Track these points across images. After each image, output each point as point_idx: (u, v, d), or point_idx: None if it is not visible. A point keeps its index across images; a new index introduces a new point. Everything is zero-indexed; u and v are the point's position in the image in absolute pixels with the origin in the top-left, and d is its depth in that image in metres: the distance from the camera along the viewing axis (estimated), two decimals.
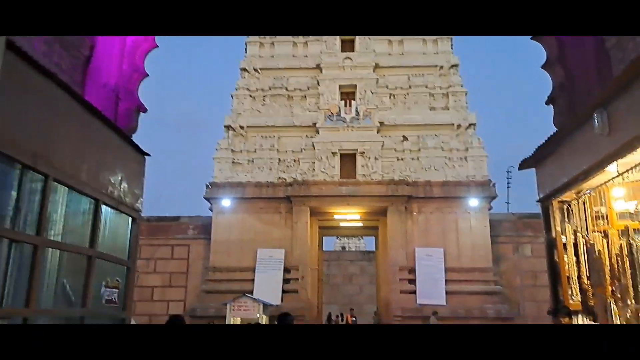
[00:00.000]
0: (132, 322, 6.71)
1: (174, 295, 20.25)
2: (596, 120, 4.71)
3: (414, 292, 18.45)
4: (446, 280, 18.59)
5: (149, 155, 5.69)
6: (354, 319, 21.49)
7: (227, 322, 14.17)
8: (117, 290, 4.45)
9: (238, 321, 14.51)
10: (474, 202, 19.16)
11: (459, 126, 20.23)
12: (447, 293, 18.41)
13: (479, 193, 19.25)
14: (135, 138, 5.97)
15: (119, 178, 4.71)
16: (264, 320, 14.79)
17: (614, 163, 4.88)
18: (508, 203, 22.61)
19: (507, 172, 22.41)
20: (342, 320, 14.07)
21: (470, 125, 20.25)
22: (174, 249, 20.87)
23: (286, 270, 18.71)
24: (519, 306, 19.46)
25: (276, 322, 5.76)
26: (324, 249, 25.41)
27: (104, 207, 4.36)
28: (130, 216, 4.83)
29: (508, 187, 22.07)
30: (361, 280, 31.44)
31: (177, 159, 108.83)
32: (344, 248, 39.00)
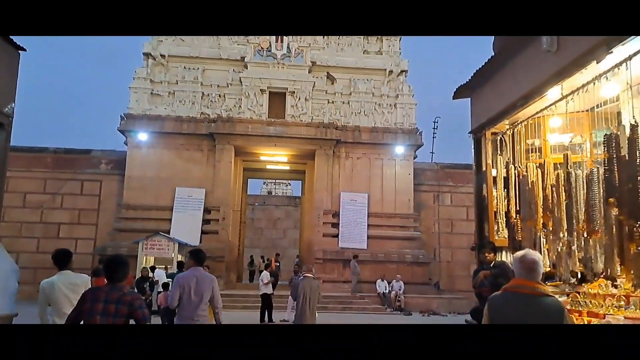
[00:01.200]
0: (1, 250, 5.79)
1: (83, 233, 18.90)
2: (544, 38, 4.36)
3: (337, 236, 18.48)
4: (368, 225, 18.77)
5: (24, 50, 4.64)
6: (278, 263, 21.38)
7: (139, 261, 13.34)
8: None
9: (151, 260, 13.73)
10: (400, 149, 19.19)
11: (390, 72, 19.88)
12: (368, 237, 18.63)
13: (405, 140, 19.28)
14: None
15: None
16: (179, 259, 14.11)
17: (557, 87, 4.60)
18: (432, 153, 23.02)
19: (434, 122, 22.64)
20: (266, 263, 13.74)
21: (402, 72, 19.96)
22: (84, 184, 19.30)
23: (206, 210, 17.95)
24: (434, 251, 20.21)
25: (188, 256, 5.43)
26: (249, 193, 24.77)
27: None
28: None
29: (434, 137, 22.41)
30: (286, 225, 31.38)
31: (91, 88, 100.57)
32: (270, 193, 38.50)
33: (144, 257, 13.50)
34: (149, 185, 17.95)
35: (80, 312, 3.37)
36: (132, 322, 3.45)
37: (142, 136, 17.77)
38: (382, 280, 17.60)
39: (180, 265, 10.08)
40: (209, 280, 5.03)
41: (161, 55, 18.68)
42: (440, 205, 21.07)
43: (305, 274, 7.85)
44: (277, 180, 40.88)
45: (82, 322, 3.36)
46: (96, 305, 3.32)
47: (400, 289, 17.27)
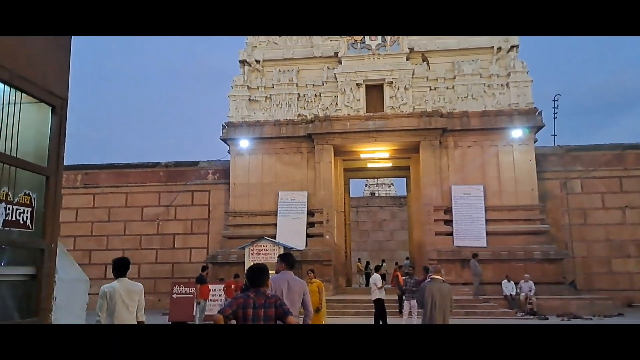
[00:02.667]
0: (60, 250, 5.42)
1: (196, 242, 19.41)
2: None
3: (451, 234, 16.92)
4: (486, 220, 16.94)
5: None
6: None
7: (246, 268, 13.05)
8: (28, 208, 3.03)
9: None
10: (517, 132, 17.13)
11: (499, 49, 17.92)
12: (487, 234, 16.81)
13: (523, 123, 17.18)
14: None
15: (31, 47, 3.21)
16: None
17: None
18: (554, 135, 20.29)
19: (554, 100, 19.98)
20: (377, 265, 12.63)
21: (512, 47, 17.91)
22: (194, 195, 19.85)
23: (310, 213, 17.42)
24: (566, 246, 17.75)
25: (278, 260, 5.14)
26: (351, 196, 23.97)
27: None
28: (50, 104, 3.34)
29: (555, 118, 19.73)
30: (392, 226, 30.19)
31: (196, 104, 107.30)
32: (373, 194, 37.47)
33: (251, 263, 13.18)
34: (253, 191, 17.89)
35: (234, 313, 3.57)
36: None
37: (243, 143, 17.77)
38: (508, 281, 15.69)
39: (284, 259, 9.42)
40: (300, 284, 4.89)
41: (256, 60, 18.63)
42: (569, 193, 18.52)
43: (433, 276, 6.68)
44: (379, 181, 39.82)
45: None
46: (247, 311, 3.56)
47: (530, 290, 15.24)
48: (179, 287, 13.47)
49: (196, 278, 11.87)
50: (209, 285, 12.33)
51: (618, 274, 17.90)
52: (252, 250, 13.27)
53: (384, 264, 23.33)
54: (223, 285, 13.22)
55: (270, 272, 7.52)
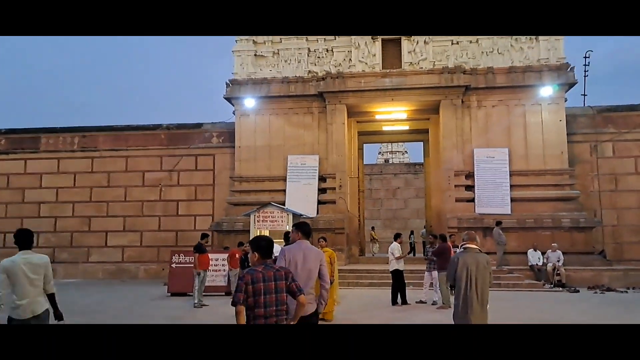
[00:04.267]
0: None
1: (201, 209, 18.42)
2: None
3: (473, 200, 15.72)
4: (511, 186, 15.70)
5: None
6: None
7: (251, 235, 12.02)
8: None
9: (266, 233, 12.34)
10: (547, 90, 15.67)
11: None
12: (512, 200, 15.60)
13: (553, 80, 15.70)
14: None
15: None
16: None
17: None
18: (584, 95, 18.71)
19: (585, 57, 18.34)
20: (396, 233, 11.36)
21: None
22: (198, 159, 18.74)
23: (321, 179, 16.27)
24: (594, 214, 16.50)
25: (294, 229, 4.84)
26: (365, 163, 22.70)
27: None
28: None
29: (585, 77, 18.10)
30: (406, 194, 29.04)
31: (200, 65, 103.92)
32: (386, 161, 36.21)
33: (257, 231, 12.15)
34: (260, 155, 16.73)
35: (246, 293, 3.46)
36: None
37: (249, 102, 16.50)
38: (535, 251, 14.57)
39: (287, 236, 8.38)
40: (317, 255, 4.57)
41: None
42: (600, 157, 17.14)
43: (467, 245, 5.45)
44: (393, 148, 38.50)
45: (249, 304, 3.45)
46: (258, 286, 3.48)
47: (558, 261, 14.11)
48: (179, 255, 12.52)
49: (194, 246, 10.86)
50: (209, 255, 11.31)
51: None
52: (258, 217, 12.19)
53: (412, 235, 22.32)
54: (227, 255, 12.22)
55: (276, 241, 6.59)
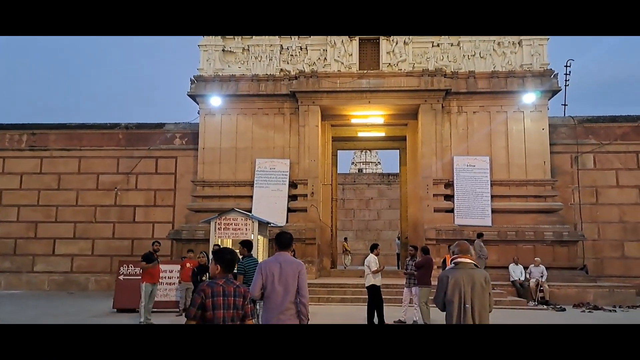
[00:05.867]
0: None
1: (160, 216, 16.95)
2: None
3: (452, 211, 14.82)
4: (491, 196, 14.89)
5: None
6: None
7: (211, 245, 10.72)
8: None
9: (228, 244, 11.05)
10: (529, 97, 15.00)
11: None
12: (492, 211, 14.77)
13: (537, 86, 15.04)
14: None
15: None
16: (260, 242, 11.34)
17: None
18: (565, 105, 18.19)
19: (566, 65, 17.83)
20: (373, 244, 10.30)
21: None
22: (159, 161, 17.31)
23: (292, 185, 15.10)
24: (575, 227, 15.84)
25: (274, 241, 4.69)
26: (338, 172, 21.63)
27: None
28: None
29: (566, 85, 17.56)
30: (379, 205, 28.17)
31: (160, 55, 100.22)
32: (360, 171, 35.33)
33: (218, 240, 10.85)
34: (226, 157, 15.45)
35: (202, 308, 3.32)
36: None
37: (215, 100, 15.24)
38: (517, 265, 13.71)
39: (247, 245, 7.19)
40: (295, 267, 4.31)
41: None
42: (580, 169, 16.55)
43: (460, 259, 4.36)
44: (366, 159, 37.76)
45: (206, 318, 3.33)
46: (217, 300, 3.35)
47: (542, 276, 13.28)
48: (128, 266, 11.09)
49: (142, 255, 9.49)
50: (161, 266, 9.95)
51: (631, 259, 16.11)
52: (219, 224, 10.88)
53: (398, 240, 20.86)
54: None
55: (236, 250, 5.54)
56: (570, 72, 18.25)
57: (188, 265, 10.31)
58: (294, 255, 7.67)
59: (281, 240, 4.46)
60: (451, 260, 4.48)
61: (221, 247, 5.27)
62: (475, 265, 4.38)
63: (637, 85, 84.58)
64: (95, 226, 17.03)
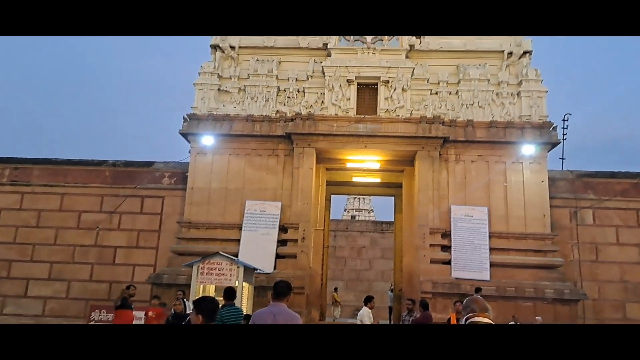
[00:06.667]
0: None
1: (142, 258, 16.06)
2: None
3: (449, 262, 14.16)
4: (490, 249, 14.29)
5: None
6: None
7: (192, 292, 9.93)
8: None
9: (211, 290, 10.26)
10: (528, 149, 14.70)
11: (510, 54, 15.66)
12: (491, 265, 14.12)
13: (535, 138, 14.79)
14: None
15: None
16: (246, 290, 10.56)
17: None
18: (563, 159, 17.98)
19: (563, 119, 17.74)
20: (367, 296, 9.53)
21: (524, 53, 15.67)
22: (144, 201, 16.60)
23: (282, 229, 14.44)
24: (575, 285, 15.18)
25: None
26: (330, 218, 21.02)
27: None
28: None
29: (564, 139, 17.42)
30: (371, 254, 27.40)
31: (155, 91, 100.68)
32: (353, 217, 34.74)
33: (200, 286, 10.07)
34: (215, 198, 14.83)
35: None
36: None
37: (207, 140, 14.80)
38: (516, 324, 12.91)
39: (227, 293, 6.51)
40: (289, 320, 4.09)
41: (231, 46, 15.86)
42: (580, 225, 16.05)
43: (476, 318, 3.71)
44: (360, 206, 37.30)
45: None
46: None
47: None
48: (100, 312, 10.25)
49: (115, 301, 8.68)
50: (134, 313, 9.13)
51: (633, 322, 15.36)
52: (202, 269, 10.14)
53: (391, 292, 19.94)
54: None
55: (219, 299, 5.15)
56: (567, 126, 18.14)
57: (151, 314, 9.42)
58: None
59: (276, 289, 4.30)
60: (465, 320, 3.81)
61: (203, 295, 5.10)
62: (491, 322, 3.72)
63: (635, 144, 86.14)
64: (72, 267, 16.10)
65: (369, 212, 37.86)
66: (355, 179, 17.49)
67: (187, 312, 8.49)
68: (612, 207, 16.11)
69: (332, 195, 18.40)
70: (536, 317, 12.98)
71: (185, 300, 8.52)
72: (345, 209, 37.36)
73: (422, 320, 8.70)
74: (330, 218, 20.41)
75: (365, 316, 8.80)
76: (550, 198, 15.31)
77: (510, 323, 12.93)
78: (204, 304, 3.38)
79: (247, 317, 8.06)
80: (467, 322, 3.71)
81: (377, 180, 17.41)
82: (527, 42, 15.73)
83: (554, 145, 15.10)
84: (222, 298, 6.93)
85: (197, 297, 4.08)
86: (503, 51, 15.66)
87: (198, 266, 10.09)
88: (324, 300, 17.17)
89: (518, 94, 15.32)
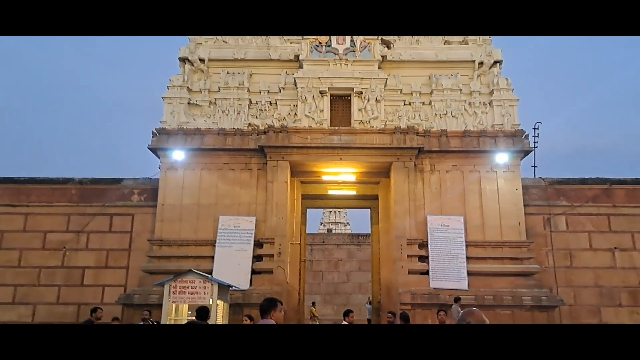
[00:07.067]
0: None
1: (111, 278, 15.45)
2: None
3: (427, 273, 14.04)
4: (467, 258, 14.24)
5: None
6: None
7: (164, 312, 9.49)
8: None
9: (184, 310, 9.83)
10: (502, 157, 14.80)
11: (480, 64, 15.82)
12: (468, 274, 14.06)
13: (508, 146, 14.90)
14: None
15: None
16: (220, 309, 10.17)
17: None
18: (535, 167, 18.20)
19: (534, 128, 18.00)
20: (346, 310, 9.40)
21: (495, 63, 15.86)
22: (113, 219, 16.03)
23: (257, 244, 14.09)
24: (550, 292, 15.26)
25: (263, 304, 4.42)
26: (307, 232, 20.73)
27: None
28: None
29: (535, 147, 17.65)
30: (348, 267, 27.23)
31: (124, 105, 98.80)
32: (329, 231, 34.53)
33: (173, 305, 9.65)
34: (186, 215, 14.40)
35: None
36: None
37: (178, 155, 14.40)
38: None
39: (200, 314, 6.19)
40: None
41: (200, 59, 15.57)
42: (553, 231, 16.21)
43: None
44: (335, 219, 37.13)
45: None
46: None
47: None
48: None
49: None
50: None
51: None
52: (174, 287, 9.72)
53: (369, 305, 19.80)
54: None
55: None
56: (538, 134, 18.42)
57: None
58: (247, 322, 6.85)
59: (260, 308, 4.40)
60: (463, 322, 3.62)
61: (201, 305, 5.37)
62: None
63: (605, 153, 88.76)
64: (37, 290, 15.38)
65: (345, 225, 37.73)
66: (331, 192, 17.29)
67: None
68: (584, 212, 16.32)
69: (307, 209, 18.14)
70: None
71: (152, 320, 8.07)
72: (322, 223, 37.14)
73: None
74: (307, 232, 20.16)
75: None
76: (524, 206, 15.42)
77: None
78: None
79: None
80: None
81: (353, 192, 17.26)
82: (497, 52, 15.94)
83: (527, 153, 15.24)
84: (194, 318, 6.59)
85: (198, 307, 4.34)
86: (474, 61, 15.81)
87: (170, 285, 9.67)
88: (302, 316, 16.81)
89: (490, 103, 15.45)
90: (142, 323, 8.53)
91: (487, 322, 3.55)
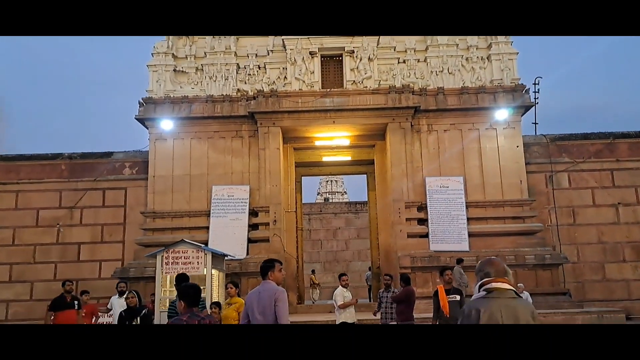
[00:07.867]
0: None
1: (108, 253, 15.27)
2: None
3: (426, 236, 13.76)
4: (468, 219, 13.94)
5: None
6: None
7: (157, 283, 9.25)
8: None
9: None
10: (502, 113, 14.32)
11: None
12: (469, 235, 13.79)
13: (508, 102, 14.40)
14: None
15: None
16: (216, 278, 9.92)
17: None
18: (536, 124, 17.68)
19: (534, 83, 17.38)
20: (340, 273, 9.20)
21: None
22: (106, 193, 15.72)
23: (252, 213, 13.79)
24: (554, 249, 15.02)
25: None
26: (304, 202, 20.41)
27: None
28: None
29: (536, 103, 17.09)
30: (347, 235, 27.05)
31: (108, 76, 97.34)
32: (326, 200, 34.27)
33: (166, 276, 9.39)
34: (178, 186, 14.05)
35: None
36: None
37: (166, 124, 13.94)
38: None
39: (179, 279, 5.90)
40: (271, 293, 4.28)
41: None
42: (556, 189, 15.85)
43: (494, 285, 2.92)
44: (332, 189, 36.85)
45: None
46: None
47: None
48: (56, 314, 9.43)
49: (51, 302, 7.94)
50: (77, 312, 8.39)
51: (613, 282, 15.32)
52: (166, 258, 9.44)
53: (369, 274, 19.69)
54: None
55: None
56: (539, 89, 17.83)
57: (84, 314, 8.70)
58: (235, 290, 6.66)
59: (260, 269, 4.52)
60: (479, 287, 3.16)
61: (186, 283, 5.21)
62: (516, 293, 3.10)
63: (605, 108, 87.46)
64: (34, 267, 15.20)
65: (342, 194, 37.46)
66: (325, 159, 16.88)
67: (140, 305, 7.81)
68: (587, 169, 15.94)
69: (302, 177, 17.77)
70: (518, 285, 12.70)
71: (137, 292, 7.81)
72: (319, 193, 36.87)
73: (404, 295, 8.22)
74: (304, 202, 19.87)
75: (338, 295, 8.34)
76: (525, 164, 15.02)
77: None
78: (185, 290, 3.76)
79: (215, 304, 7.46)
80: (481, 289, 3.09)
81: (348, 158, 16.84)
82: None
83: (528, 108, 14.75)
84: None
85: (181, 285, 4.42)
86: None
87: (162, 256, 9.39)
88: (302, 283, 16.65)
89: (488, 57, 14.86)
90: (117, 296, 8.31)
91: (510, 273, 3.13)
